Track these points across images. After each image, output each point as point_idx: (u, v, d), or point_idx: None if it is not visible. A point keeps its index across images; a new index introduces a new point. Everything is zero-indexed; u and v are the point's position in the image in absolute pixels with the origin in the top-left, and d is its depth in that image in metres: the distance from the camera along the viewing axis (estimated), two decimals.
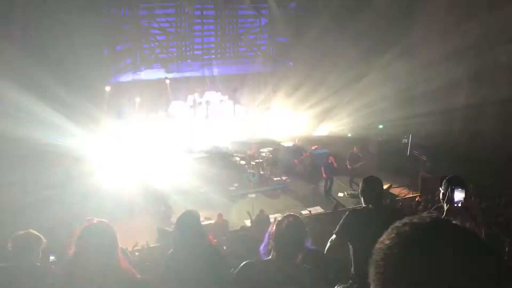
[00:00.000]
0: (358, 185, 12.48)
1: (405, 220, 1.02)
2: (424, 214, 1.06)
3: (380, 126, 16.63)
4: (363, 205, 3.90)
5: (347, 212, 3.90)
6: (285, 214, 3.12)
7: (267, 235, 3.27)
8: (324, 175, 13.94)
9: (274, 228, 3.01)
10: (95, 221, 2.79)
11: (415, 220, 1.01)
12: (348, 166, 14.17)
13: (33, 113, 11.80)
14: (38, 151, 11.98)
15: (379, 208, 3.72)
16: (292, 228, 2.97)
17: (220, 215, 11.05)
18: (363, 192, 3.89)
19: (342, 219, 3.80)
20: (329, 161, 13.92)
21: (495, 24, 12.99)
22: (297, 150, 15.57)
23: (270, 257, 2.98)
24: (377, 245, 1.01)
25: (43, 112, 12.04)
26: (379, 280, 0.96)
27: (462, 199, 3.26)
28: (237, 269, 3.01)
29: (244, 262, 3.00)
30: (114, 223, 2.89)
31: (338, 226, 3.82)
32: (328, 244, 3.84)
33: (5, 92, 11.22)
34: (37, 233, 3.74)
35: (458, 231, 0.98)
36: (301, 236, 2.99)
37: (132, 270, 2.90)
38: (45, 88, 11.98)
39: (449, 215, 3.17)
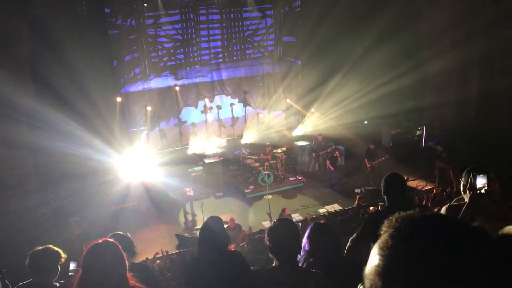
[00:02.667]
0: (373, 181, 12.48)
1: (402, 217, 0.98)
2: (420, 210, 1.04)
3: (366, 122, 16.55)
4: (387, 205, 3.80)
5: (371, 213, 3.83)
6: (275, 220, 3.09)
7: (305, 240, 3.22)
8: (332, 168, 13.94)
9: (266, 237, 2.96)
10: (99, 241, 2.68)
11: (413, 218, 0.97)
12: (368, 164, 14.02)
13: (49, 122, 11.95)
14: (54, 160, 12.13)
15: (405, 208, 3.63)
16: (285, 232, 2.91)
17: (232, 219, 11.03)
18: (387, 192, 3.77)
19: (365, 219, 3.72)
20: (334, 155, 13.89)
21: (505, 9, 12.80)
22: (319, 146, 15.44)
23: (273, 264, 2.94)
24: (377, 249, 0.96)
25: (60, 121, 12.20)
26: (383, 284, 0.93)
27: (484, 185, 3.20)
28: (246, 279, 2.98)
29: (252, 271, 2.98)
30: (131, 232, 2.85)
31: (360, 226, 3.73)
32: (349, 243, 3.76)
33: (20, 101, 11.38)
34: (55, 249, 3.64)
35: (457, 226, 0.94)
36: (295, 238, 2.94)
37: (139, 286, 2.82)
38: (60, 99, 12.13)
39: (472, 202, 3.11)
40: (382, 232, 0.98)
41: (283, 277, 2.82)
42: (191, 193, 12.63)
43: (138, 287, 2.77)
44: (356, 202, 11.43)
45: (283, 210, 11.19)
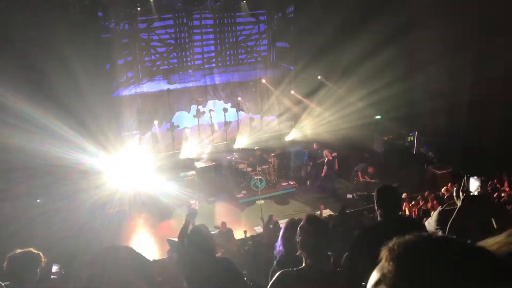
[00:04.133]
0: (364, 188, 12.49)
1: (403, 241, 0.94)
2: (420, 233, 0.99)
3: (378, 117, 16.54)
4: (379, 218, 3.67)
5: (360, 233, 3.68)
6: (305, 216, 3.04)
7: (280, 239, 3.21)
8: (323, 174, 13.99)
9: (298, 234, 2.93)
10: (109, 246, 2.67)
11: (413, 243, 0.94)
12: (360, 177, 14.08)
13: (41, 125, 11.86)
14: (46, 163, 12.03)
15: (396, 222, 3.46)
16: (314, 226, 2.89)
17: (223, 224, 10.95)
18: (378, 204, 3.62)
19: (355, 239, 3.60)
20: (329, 158, 13.92)
21: (494, 13, 12.94)
22: (315, 154, 15.46)
23: (303, 264, 2.89)
24: (378, 276, 0.93)
25: (52, 125, 12.12)
26: None
27: (478, 187, 3.19)
28: (272, 280, 2.91)
29: (278, 273, 2.92)
30: (124, 234, 2.79)
31: (351, 248, 3.58)
32: (344, 258, 3.64)
33: (12, 104, 11.28)
34: (35, 252, 3.53)
35: (467, 251, 0.91)
36: (327, 235, 2.91)
37: None
38: (52, 102, 12.03)
39: (464, 206, 3.08)
40: (381, 257, 0.95)
41: (315, 275, 2.78)
42: (197, 207, 12.60)
43: None
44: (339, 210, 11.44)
45: (270, 217, 11.16)
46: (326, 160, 14.09)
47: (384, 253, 0.94)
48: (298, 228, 2.94)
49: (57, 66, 12.26)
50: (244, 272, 7.45)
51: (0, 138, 10.96)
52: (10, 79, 11.21)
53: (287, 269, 2.91)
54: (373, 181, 13.87)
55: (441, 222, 3.22)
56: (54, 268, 3.97)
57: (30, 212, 11.21)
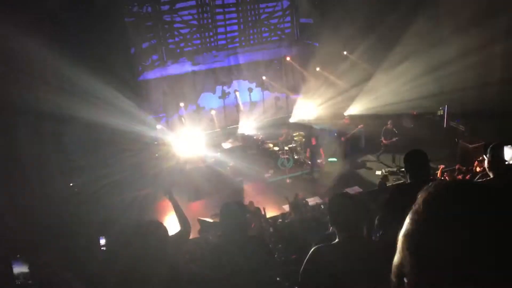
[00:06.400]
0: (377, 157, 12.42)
1: (438, 183, 0.95)
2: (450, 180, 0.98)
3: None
4: (410, 181, 3.68)
5: (393, 189, 3.72)
6: (334, 195, 3.05)
7: None
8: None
9: (327, 212, 2.93)
10: (146, 221, 2.85)
11: (448, 184, 0.95)
12: (383, 141, 14.03)
13: (103, 98, 12.22)
14: (108, 136, 12.55)
15: (428, 183, 3.46)
16: (348, 205, 2.89)
17: (251, 202, 10.98)
18: (408, 167, 3.67)
19: (388, 196, 3.62)
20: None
21: None
22: (346, 129, 15.42)
23: (337, 239, 2.88)
24: (410, 214, 0.94)
25: (113, 98, 12.51)
26: (416, 263, 0.89)
27: None
28: (307, 257, 2.91)
29: (312, 249, 2.92)
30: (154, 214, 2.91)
31: (385, 203, 3.64)
32: (376, 222, 3.66)
33: (77, 77, 11.57)
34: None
35: (496, 195, 0.90)
36: (360, 210, 2.91)
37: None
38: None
39: (499, 176, 2.98)
40: (418, 198, 0.96)
41: (348, 249, 2.77)
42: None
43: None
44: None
45: (296, 195, 11.18)
46: (310, 147, 14.14)
47: (419, 197, 0.96)
48: (327, 206, 2.95)
49: (80, 54, 12.37)
50: (279, 245, 7.50)
51: (69, 110, 11.27)
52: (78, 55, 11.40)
53: (321, 244, 2.91)
54: (397, 139, 14.03)
55: None
56: (102, 242, 4.20)
57: (97, 182, 11.64)
